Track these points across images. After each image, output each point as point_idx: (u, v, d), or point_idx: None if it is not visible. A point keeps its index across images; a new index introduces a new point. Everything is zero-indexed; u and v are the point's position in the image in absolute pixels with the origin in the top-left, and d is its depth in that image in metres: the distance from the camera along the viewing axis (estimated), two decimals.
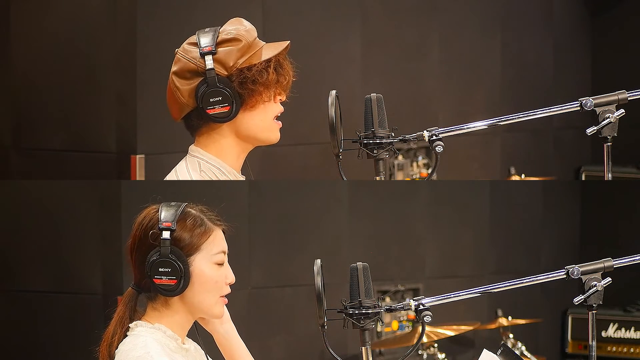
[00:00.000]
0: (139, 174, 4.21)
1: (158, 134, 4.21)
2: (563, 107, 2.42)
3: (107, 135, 4.28)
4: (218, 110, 2.45)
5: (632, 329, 5.55)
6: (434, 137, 2.40)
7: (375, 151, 2.37)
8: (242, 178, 2.59)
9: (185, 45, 2.50)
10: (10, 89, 4.41)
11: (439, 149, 2.38)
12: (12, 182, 4.40)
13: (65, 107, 4.35)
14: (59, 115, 4.35)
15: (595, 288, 2.31)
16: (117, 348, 2.29)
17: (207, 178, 2.52)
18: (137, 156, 4.22)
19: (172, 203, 2.34)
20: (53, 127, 4.36)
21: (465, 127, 2.43)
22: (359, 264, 2.32)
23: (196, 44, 2.47)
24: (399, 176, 5.17)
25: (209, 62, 2.44)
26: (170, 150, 4.15)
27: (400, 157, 5.15)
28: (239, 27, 2.50)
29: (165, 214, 2.30)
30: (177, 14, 4.30)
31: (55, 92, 4.35)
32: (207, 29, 2.49)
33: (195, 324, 2.41)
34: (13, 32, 4.38)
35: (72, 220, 4.34)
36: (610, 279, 2.33)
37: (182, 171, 2.53)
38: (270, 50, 2.50)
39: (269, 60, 2.49)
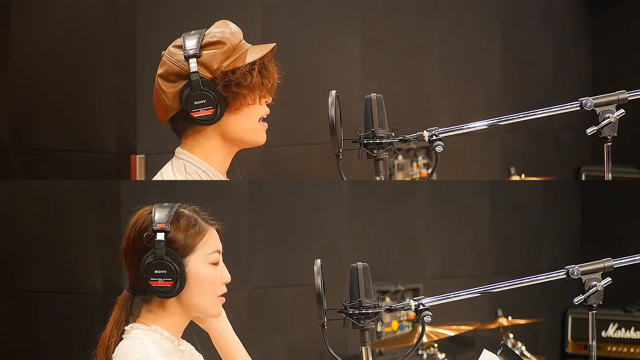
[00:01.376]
0: (139, 174, 4.21)
1: (158, 134, 4.21)
2: (563, 107, 2.42)
3: (107, 135, 4.28)
4: (202, 113, 2.45)
5: (632, 329, 5.55)
6: (434, 137, 2.40)
7: (375, 151, 2.37)
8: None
9: (170, 47, 2.50)
10: (10, 89, 4.41)
11: (439, 149, 2.38)
12: (12, 182, 4.40)
13: (65, 107, 4.35)
14: (59, 115, 4.35)
15: (595, 288, 2.31)
16: (114, 352, 2.28)
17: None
18: (137, 156, 4.22)
19: (165, 204, 2.33)
20: (53, 127, 4.36)
21: (465, 127, 2.43)
22: (359, 264, 2.32)
23: (181, 47, 2.47)
24: (399, 176, 5.17)
25: (193, 65, 2.44)
26: (170, 150, 4.12)
27: (400, 157, 5.15)
28: (224, 30, 2.50)
29: (159, 215, 2.29)
30: (177, 14, 4.30)
31: (56, 92, 4.35)
32: (192, 32, 2.49)
33: (191, 325, 2.41)
34: (13, 32, 4.38)
35: (72, 220, 4.34)
36: (610, 279, 2.33)
37: (168, 173, 2.53)
38: (255, 53, 2.50)
39: (253, 63, 2.48)
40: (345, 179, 2.41)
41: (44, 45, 4.36)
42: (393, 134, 2.38)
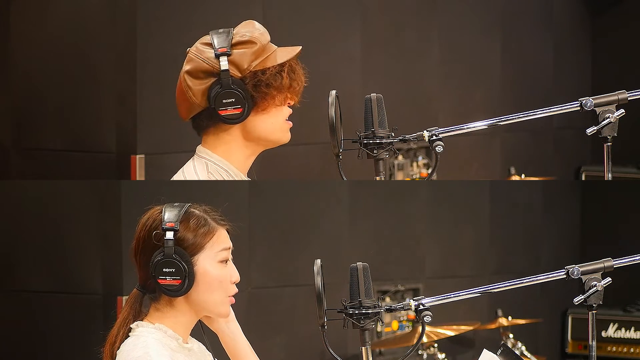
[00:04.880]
0: (139, 174, 4.21)
1: (158, 134, 4.21)
2: (563, 107, 2.42)
3: (107, 135, 4.28)
4: (230, 111, 2.45)
5: (632, 329, 5.55)
6: (434, 137, 2.40)
7: (375, 151, 2.37)
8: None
9: (198, 45, 2.49)
10: (10, 89, 4.41)
11: (439, 149, 2.38)
12: (12, 182, 4.40)
13: (65, 107, 4.34)
14: (59, 115, 4.35)
15: (595, 288, 2.31)
16: (119, 348, 2.29)
17: (214, 179, 2.53)
18: (137, 156, 4.22)
19: (176, 204, 2.34)
20: (53, 127, 4.36)
21: (465, 127, 2.43)
22: (359, 264, 2.32)
23: (210, 45, 2.46)
24: (399, 176, 5.17)
25: (224, 63, 2.44)
26: (170, 150, 4.14)
27: (400, 157, 5.15)
28: (253, 30, 2.50)
29: (169, 214, 2.31)
30: (177, 15, 4.30)
31: (56, 92, 4.35)
32: (220, 30, 2.49)
33: (201, 323, 2.41)
34: (13, 32, 4.38)
35: (72, 220, 4.34)
36: (610, 279, 2.33)
37: (190, 172, 2.53)
38: (284, 54, 2.51)
39: (282, 65, 2.49)
40: (345, 179, 2.41)
41: (44, 45, 4.36)
42: (393, 134, 2.38)
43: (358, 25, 4.93)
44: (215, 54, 2.44)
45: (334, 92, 2.36)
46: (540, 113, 2.44)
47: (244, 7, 4.46)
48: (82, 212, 4.33)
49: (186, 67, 2.48)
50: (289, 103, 2.53)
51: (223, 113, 2.45)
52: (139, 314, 2.34)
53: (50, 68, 4.35)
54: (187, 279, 2.28)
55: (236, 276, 2.37)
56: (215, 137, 2.52)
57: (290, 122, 2.54)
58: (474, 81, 5.37)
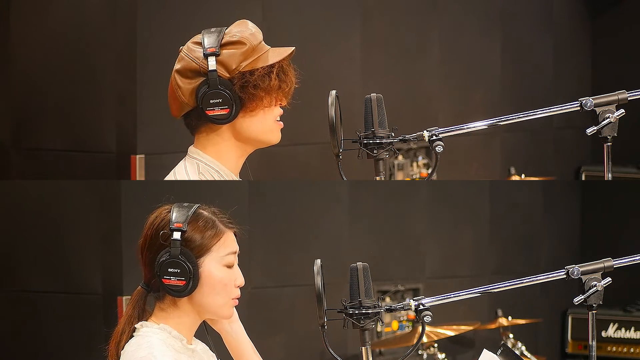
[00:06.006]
0: (139, 174, 4.21)
1: (158, 134, 4.21)
2: (563, 107, 2.42)
3: (107, 135, 4.28)
4: (217, 112, 2.44)
5: (632, 329, 5.55)
6: (434, 137, 2.39)
7: (375, 151, 2.37)
8: None
9: (189, 44, 2.48)
10: (10, 88, 4.41)
11: (439, 149, 2.38)
12: (12, 182, 4.40)
13: (65, 107, 4.35)
14: (59, 115, 4.35)
15: (595, 288, 2.31)
16: (123, 348, 2.29)
17: (214, 180, 2.52)
18: (137, 156, 4.22)
19: (185, 204, 2.34)
20: (53, 127, 4.36)
21: (465, 127, 2.43)
22: (359, 264, 2.32)
23: (200, 44, 2.45)
24: (399, 176, 5.17)
25: (212, 63, 2.43)
26: (170, 150, 4.14)
27: (400, 157, 5.15)
28: (244, 30, 2.48)
29: (177, 214, 2.30)
30: (177, 14, 4.30)
31: (56, 92, 4.35)
32: (212, 29, 2.48)
33: (205, 324, 2.41)
34: (13, 32, 4.38)
35: (72, 220, 4.34)
36: (610, 279, 2.33)
37: (181, 172, 2.53)
38: (274, 55, 2.49)
39: (272, 66, 2.47)
40: (345, 179, 2.41)
41: (44, 45, 4.36)
42: (393, 134, 2.38)
43: (358, 25, 4.93)
44: (204, 54, 2.44)
45: (334, 92, 2.36)
46: (540, 113, 2.44)
47: (243, 7, 4.46)
48: (82, 212, 4.33)
49: (177, 65, 2.48)
50: (279, 104, 2.52)
51: (210, 113, 2.44)
52: (143, 313, 2.34)
53: (50, 68, 4.35)
54: (191, 281, 2.28)
55: (241, 280, 2.36)
56: (206, 137, 2.52)
57: (281, 123, 2.53)
58: (474, 81, 5.37)
